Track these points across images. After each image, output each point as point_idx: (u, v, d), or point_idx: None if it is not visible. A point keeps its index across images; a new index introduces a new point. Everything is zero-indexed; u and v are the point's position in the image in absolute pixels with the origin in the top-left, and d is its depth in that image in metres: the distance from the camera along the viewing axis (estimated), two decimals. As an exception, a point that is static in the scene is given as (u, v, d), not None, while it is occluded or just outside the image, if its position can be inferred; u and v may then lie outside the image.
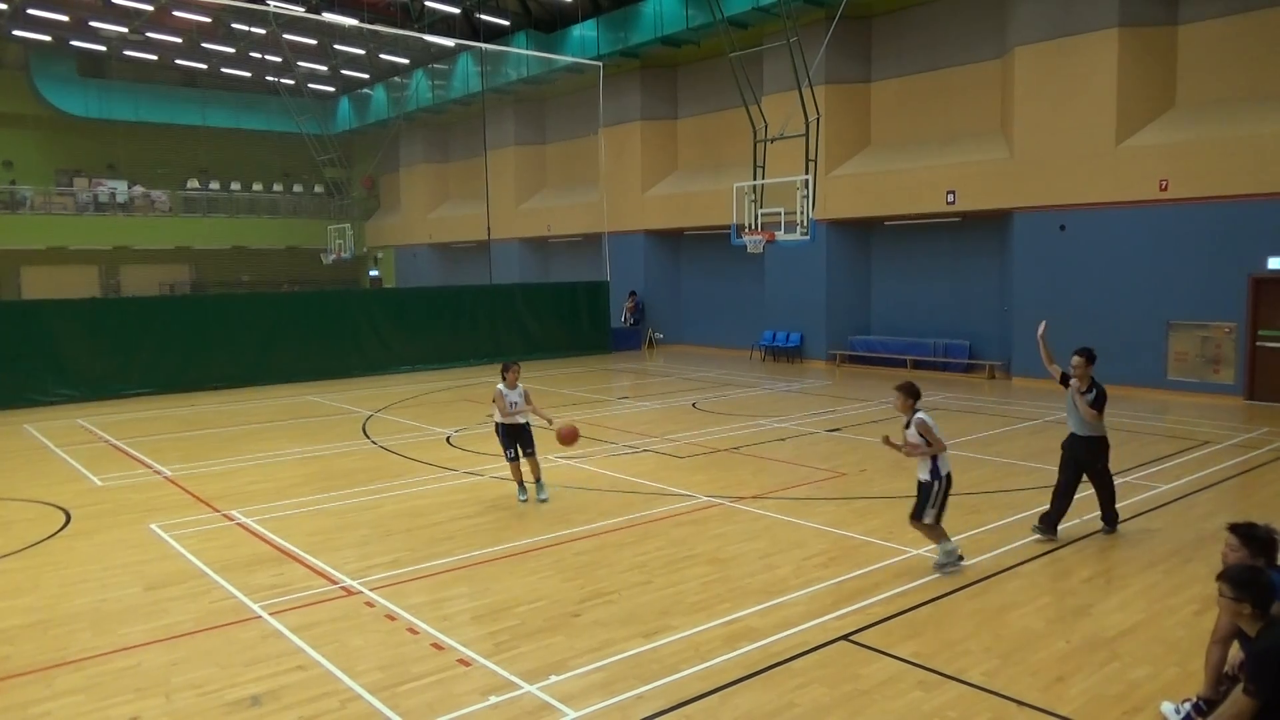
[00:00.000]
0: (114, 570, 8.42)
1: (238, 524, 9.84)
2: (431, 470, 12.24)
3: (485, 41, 30.22)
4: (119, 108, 37.78)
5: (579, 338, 27.02)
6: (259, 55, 35.87)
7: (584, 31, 28.20)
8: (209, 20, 31.91)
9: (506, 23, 30.52)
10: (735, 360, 25.30)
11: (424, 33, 28.91)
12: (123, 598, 7.68)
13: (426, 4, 29.47)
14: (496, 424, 10.73)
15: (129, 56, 37.22)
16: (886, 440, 7.99)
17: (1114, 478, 8.96)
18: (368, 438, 14.75)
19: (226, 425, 16.28)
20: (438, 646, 6.48)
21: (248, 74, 38.67)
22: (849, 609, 7.02)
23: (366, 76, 38.58)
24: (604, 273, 28.51)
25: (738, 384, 20.46)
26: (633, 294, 29.19)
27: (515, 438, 10.50)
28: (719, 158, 27.07)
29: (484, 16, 30.25)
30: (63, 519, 10.22)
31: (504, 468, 12.14)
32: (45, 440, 14.97)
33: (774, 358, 24.82)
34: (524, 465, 10.55)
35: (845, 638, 6.49)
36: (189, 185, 40.10)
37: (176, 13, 31.11)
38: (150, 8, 30.34)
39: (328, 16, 29.05)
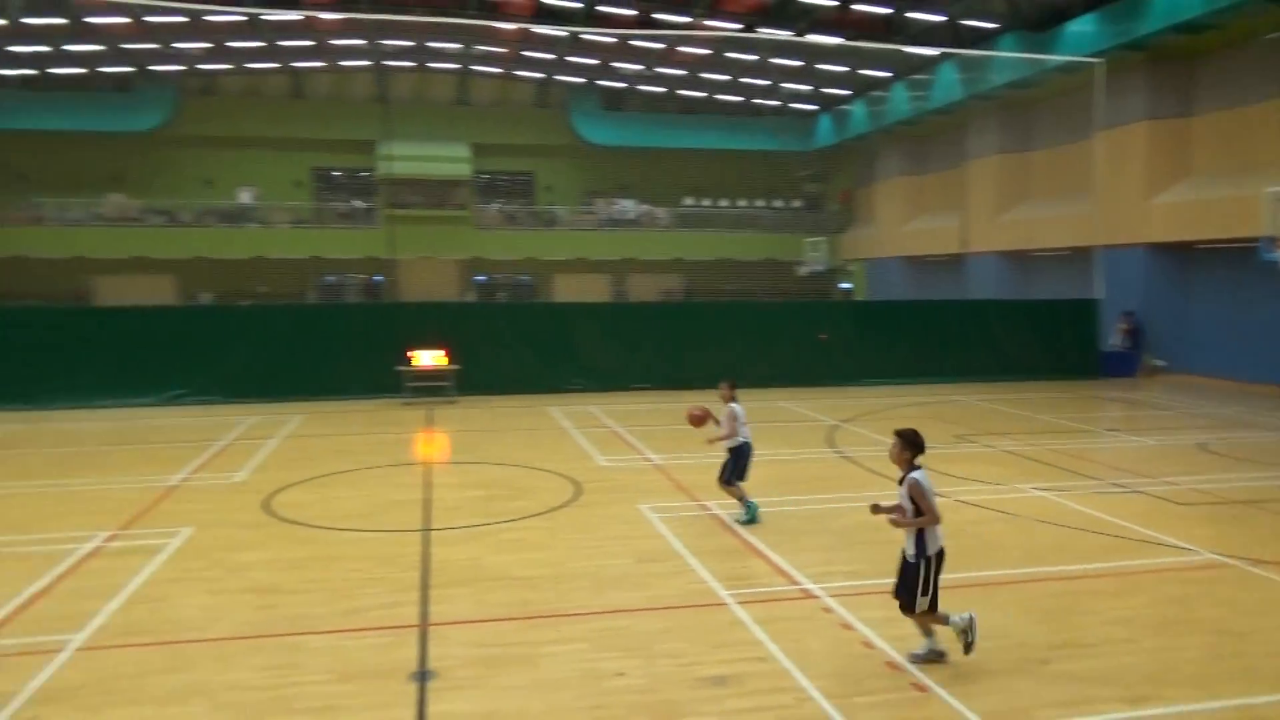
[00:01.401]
0: (610, 541, 9.66)
1: (712, 514, 10.70)
2: (894, 486, 12.11)
3: (969, 47, 29.15)
4: (632, 135, 43.31)
5: (1061, 360, 24.82)
6: (748, 80, 38.50)
7: (1079, 27, 25.85)
8: (709, 52, 34.99)
9: (993, 25, 29.12)
10: (1259, 397, 21.35)
11: (905, 44, 28.74)
12: (617, 566, 8.79)
13: (908, 15, 29.24)
14: (745, 443, 10.30)
15: (642, 90, 42.37)
16: (876, 509, 6.62)
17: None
18: (831, 447, 15.09)
19: (704, 423, 17.73)
20: (892, 666, 6.46)
21: (739, 98, 41.68)
22: None
23: (847, 92, 39.39)
24: (1094, 290, 25.90)
25: (1261, 425, 17.28)
26: (1128, 314, 26.08)
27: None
28: (1245, 159, 23.05)
29: (968, 22, 29.18)
30: (574, 491, 11.97)
31: (975, 493, 11.70)
32: (565, 422, 17.63)
33: (1314, 397, 20.50)
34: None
35: (1407, 755, 5.21)
36: (684, 203, 44.38)
37: (681, 48, 34.62)
38: (662, 46, 34.15)
39: (812, 38, 30.25)
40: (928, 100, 33.58)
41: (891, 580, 6.55)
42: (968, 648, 6.36)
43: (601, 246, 42.01)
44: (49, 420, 17.95)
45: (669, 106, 43.98)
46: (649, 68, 37.82)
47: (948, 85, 32.07)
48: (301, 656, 6.70)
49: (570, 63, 38.37)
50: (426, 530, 10.07)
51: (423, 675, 6.37)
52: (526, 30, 33.38)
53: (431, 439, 16.33)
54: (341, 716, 5.81)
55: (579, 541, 9.66)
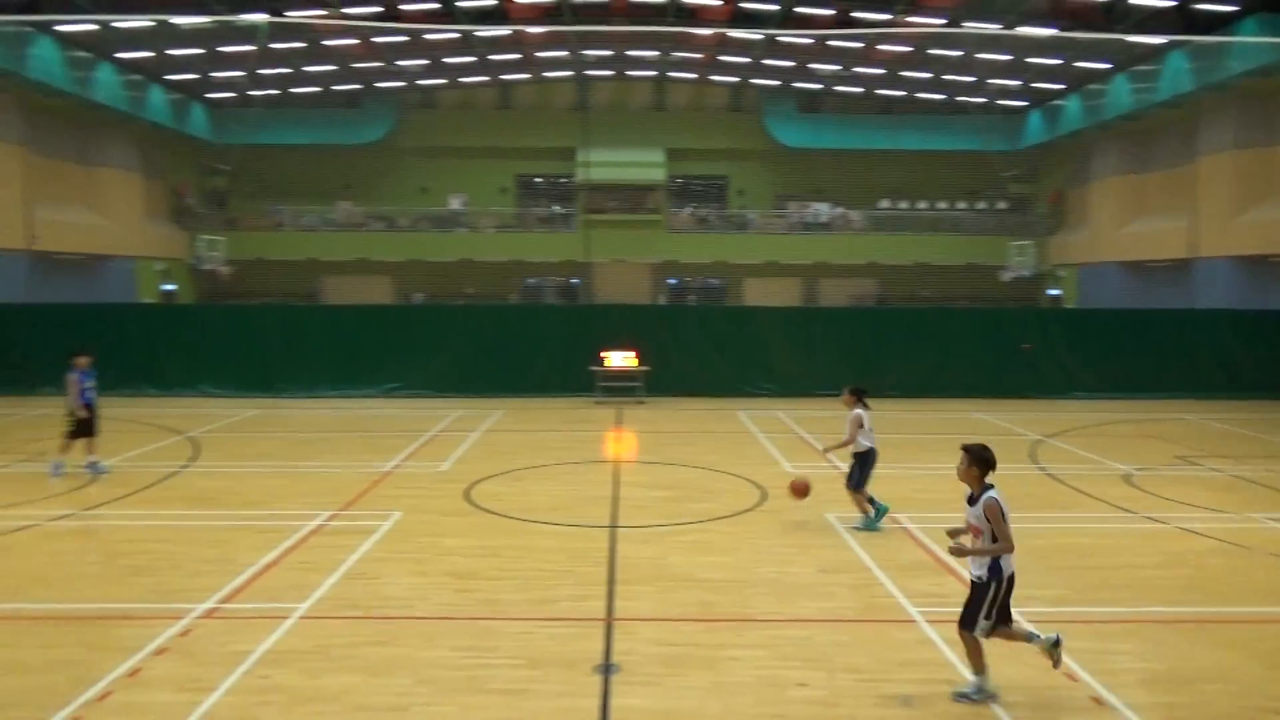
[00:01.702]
0: (795, 548, 9.56)
1: (902, 528, 10.37)
2: (1104, 508, 11.33)
3: (1202, 33, 26.65)
4: (827, 138, 42.64)
5: (1307, 377, 22.22)
6: (951, 77, 36.96)
7: (1341, 5, 23.05)
8: (909, 49, 33.87)
9: (1232, 8, 26.46)
10: None
11: (1129, 33, 26.64)
12: (801, 574, 8.69)
13: (1131, 2, 27.07)
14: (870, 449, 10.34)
15: (839, 92, 41.59)
16: (954, 540, 6.23)
17: None
18: (1034, 463, 14.25)
19: (898, 432, 17.12)
20: (1097, 700, 6.05)
21: (940, 96, 40.10)
22: None
23: (1060, 87, 37.01)
24: (1351, 299, 23.05)
25: None
26: (1394, 327, 22.99)
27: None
28: None
29: (1202, 6, 26.66)
30: (759, 496, 11.93)
31: (1199, 521, 10.75)
32: (751, 427, 17.59)
33: None
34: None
35: None
36: (880, 205, 43.19)
37: (881, 46, 33.68)
38: (861, 45, 33.38)
39: (1023, 30, 28.61)
40: (1153, 92, 30.99)
41: (1092, 608, 6.14)
42: (1056, 662, 6.16)
43: (793, 250, 41.58)
44: (283, 408, 19.79)
45: (866, 107, 42.94)
46: (846, 68, 37.05)
47: (1176, 75, 29.48)
48: (495, 640, 7.06)
49: (766, 65, 38.24)
50: (614, 527, 10.35)
51: (607, 668, 6.56)
52: (723, 35, 33.56)
53: (621, 438, 16.74)
54: (530, 700, 6.08)
55: (763, 547, 9.62)
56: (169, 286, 38.72)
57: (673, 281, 43.84)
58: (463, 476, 12.89)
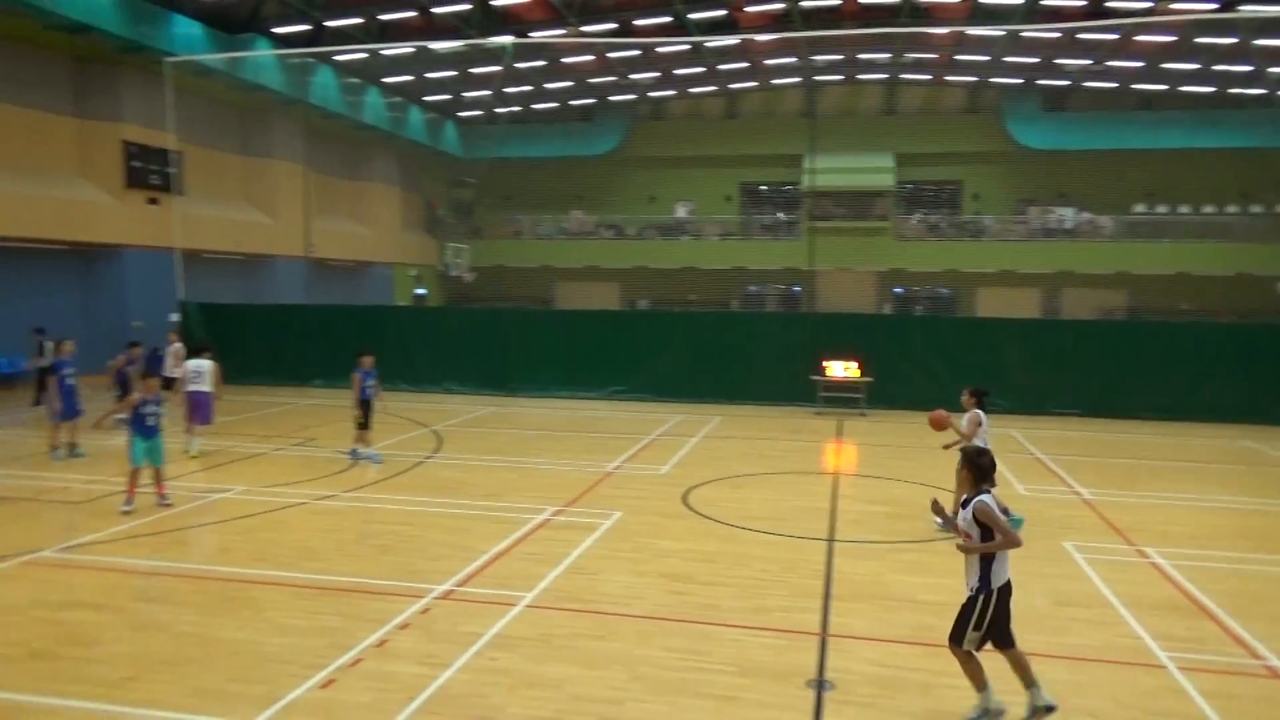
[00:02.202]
0: (1026, 576, 8.91)
1: (1150, 562, 9.49)
2: (1406, 557, 9.82)
3: None
4: (1072, 138, 39.65)
5: None
6: (1223, 67, 33.29)
7: None
8: (1173, 38, 30.89)
9: None
10: None
11: None
12: (1032, 605, 8.15)
13: None
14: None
15: (1088, 88, 38.59)
16: (936, 507, 6.68)
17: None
18: (1317, 500, 12.58)
19: (1150, 457, 15.75)
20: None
21: (1209, 89, 36.26)
22: None
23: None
24: None
25: None
26: None
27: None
28: None
29: None
30: (987, 519, 11.29)
31: None
32: (981, 445, 16.68)
33: None
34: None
35: None
36: (1134, 210, 39.65)
37: (1140, 37, 30.93)
38: (1116, 36, 30.83)
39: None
40: None
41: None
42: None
43: (1033, 258, 39.01)
44: (516, 405, 20.99)
45: (1120, 104, 39.55)
46: (1098, 61, 34.33)
47: None
48: (708, 645, 7.15)
49: (1006, 63, 36.16)
50: (830, 540, 10.17)
51: (820, 684, 6.47)
52: (961, 33, 32.09)
53: (840, 450, 16.42)
54: (740, 708, 6.11)
55: (990, 572, 9.11)
56: (420, 291, 42.13)
57: (899, 290, 42.40)
58: (681, 480, 13.13)
